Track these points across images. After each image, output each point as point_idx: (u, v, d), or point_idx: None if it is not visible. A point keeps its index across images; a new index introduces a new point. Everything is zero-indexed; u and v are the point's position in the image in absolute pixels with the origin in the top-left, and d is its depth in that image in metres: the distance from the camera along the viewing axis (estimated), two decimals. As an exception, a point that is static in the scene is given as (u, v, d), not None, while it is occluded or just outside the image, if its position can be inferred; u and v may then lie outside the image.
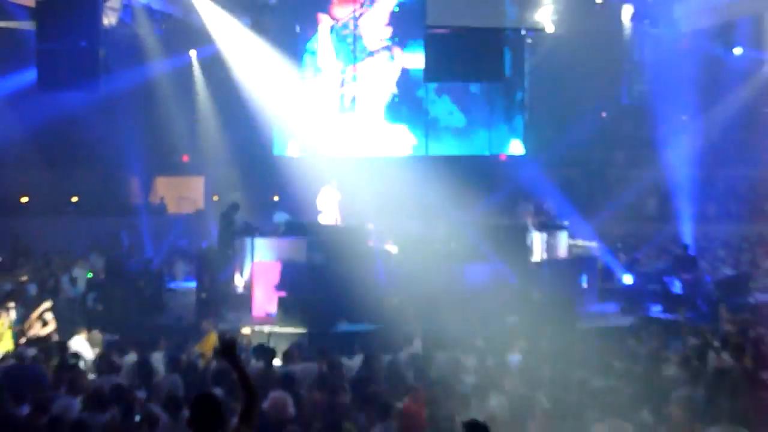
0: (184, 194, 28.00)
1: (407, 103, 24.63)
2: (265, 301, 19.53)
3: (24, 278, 21.36)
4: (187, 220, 25.17)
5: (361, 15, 24.89)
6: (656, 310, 19.64)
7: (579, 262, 21.26)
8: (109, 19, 19.62)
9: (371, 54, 24.91)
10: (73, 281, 20.94)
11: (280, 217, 22.51)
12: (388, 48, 24.33)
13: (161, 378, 13.76)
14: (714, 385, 12.46)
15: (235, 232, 21.02)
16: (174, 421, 10.89)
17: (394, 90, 24.39)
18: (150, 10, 22.28)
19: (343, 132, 24.24)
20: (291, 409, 12.01)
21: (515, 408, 11.97)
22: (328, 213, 22.21)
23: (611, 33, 21.53)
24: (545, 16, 21.84)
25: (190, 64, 24.82)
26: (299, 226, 21.68)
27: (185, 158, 27.34)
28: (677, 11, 20.33)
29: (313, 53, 25.51)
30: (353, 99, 24.63)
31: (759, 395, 12.23)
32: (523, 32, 20.17)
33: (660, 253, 21.97)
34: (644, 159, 24.65)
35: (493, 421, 10.40)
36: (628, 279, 21.01)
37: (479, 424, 8.76)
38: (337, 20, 25.23)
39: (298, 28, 25.11)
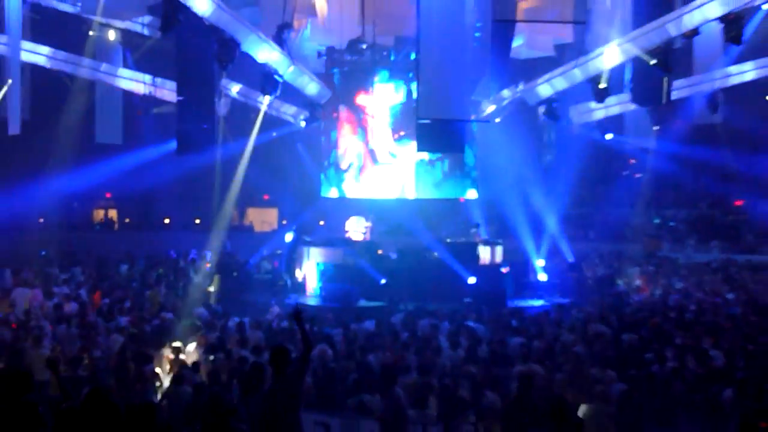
0: (265, 219, 28.15)
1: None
2: (313, 286, 19.71)
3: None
4: (267, 236, 24.94)
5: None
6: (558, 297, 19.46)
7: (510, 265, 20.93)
8: (221, 111, 19.79)
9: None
10: (196, 271, 21.02)
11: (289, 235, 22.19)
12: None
13: (250, 334, 13.74)
14: (592, 344, 12.87)
15: (299, 243, 21.07)
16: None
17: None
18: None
19: (363, 184, 23.84)
20: (329, 354, 12.04)
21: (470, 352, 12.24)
22: (353, 233, 22.16)
23: (532, 123, 21.59)
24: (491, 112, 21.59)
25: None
26: (337, 240, 21.61)
27: (266, 197, 27.53)
28: (571, 111, 20.59)
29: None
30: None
31: (623, 348, 12.70)
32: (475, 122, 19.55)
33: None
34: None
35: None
36: (542, 276, 20.73)
37: None
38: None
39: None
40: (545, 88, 19.93)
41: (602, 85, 18.20)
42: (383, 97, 23.06)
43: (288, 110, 22.38)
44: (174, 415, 9.38)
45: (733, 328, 14.41)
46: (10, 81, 16.57)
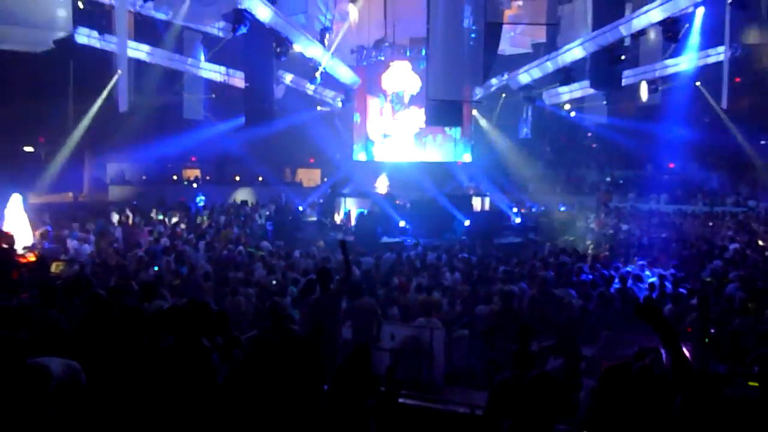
0: (311, 178, 28.21)
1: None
2: (348, 225, 19.72)
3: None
4: (312, 190, 25.03)
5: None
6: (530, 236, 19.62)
7: (494, 212, 21.14)
8: (278, 94, 19.79)
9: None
10: (260, 216, 21.19)
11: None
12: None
13: (301, 261, 13.93)
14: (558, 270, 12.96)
15: (337, 194, 21.11)
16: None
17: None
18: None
19: (386, 149, 23.75)
20: (357, 274, 11.76)
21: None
22: (380, 187, 22.20)
23: (514, 104, 21.46)
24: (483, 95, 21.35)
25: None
26: (366, 192, 21.65)
27: (311, 160, 27.61)
28: (544, 95, 20.39)
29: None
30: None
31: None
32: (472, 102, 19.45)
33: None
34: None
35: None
36: (518, 220, 20.86)
37: None
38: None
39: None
40: (524, 77, 19.83)
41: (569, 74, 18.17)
42: (401, 83, 22.94)
43: (328, 94, 22.30)
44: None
45: (667, 256, 14.49)
46: (119, 71, 16.61)
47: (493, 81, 20.46)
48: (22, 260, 11.17)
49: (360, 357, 5.28)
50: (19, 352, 4.72)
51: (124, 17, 16.82)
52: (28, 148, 23.85)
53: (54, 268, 11.03)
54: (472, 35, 16.83)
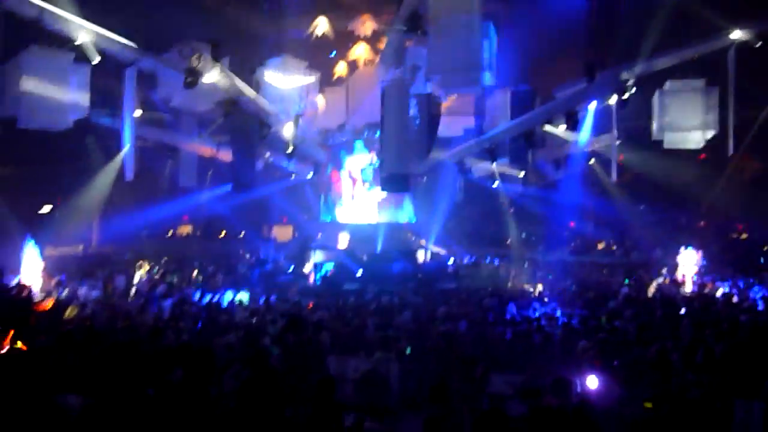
0: (284, 234, 27.82)
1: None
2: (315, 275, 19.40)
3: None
4: (285, 245, 24.73)
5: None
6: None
7: (435, 263, 21.42)
8: (259, 166, 19.67)
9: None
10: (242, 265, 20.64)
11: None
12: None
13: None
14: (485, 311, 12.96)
15: (306, 248, 20.88)
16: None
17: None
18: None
19: (347, 212, 23.72)
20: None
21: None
22: (341, 243, 22.08)
23: (449, 175, 21.60)
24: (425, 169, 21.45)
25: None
26: (329, 246, 21.56)
27: (285, 219, 27.33)
28: (474, 168, 20.56)
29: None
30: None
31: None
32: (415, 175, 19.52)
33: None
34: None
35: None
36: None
37: None
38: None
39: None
40: (458, 154, 20.21)
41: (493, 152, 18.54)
42: (359, 159, 23.11)
43: (300, 167, 22.24)
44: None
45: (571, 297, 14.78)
46: (127, 145, 16.34)
47: (433, 156, 20.63)
48: (39, 307, 10.69)
49: (326, 387, 5.16)
50: (42, 390, 4.47)
51: (131, 101, 16.58)
52: (47, 207, 23.26)
53: (68, 313, 10.57)
54: (417, 121, 17.11)
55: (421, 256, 20.57)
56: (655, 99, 17.05)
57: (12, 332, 7.79)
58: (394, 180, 16.37)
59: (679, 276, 18.56)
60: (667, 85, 16.86)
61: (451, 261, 21.26)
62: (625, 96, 15.76)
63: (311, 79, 19.34)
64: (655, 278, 18.72)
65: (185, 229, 29.50)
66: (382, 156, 17.13)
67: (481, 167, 21.53)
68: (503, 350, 9.84)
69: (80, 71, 14.94)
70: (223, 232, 28.00)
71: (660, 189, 24.32)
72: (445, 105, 19.37)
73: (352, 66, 23.07)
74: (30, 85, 13.94)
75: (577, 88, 16.62)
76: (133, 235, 25.09)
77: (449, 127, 21.23)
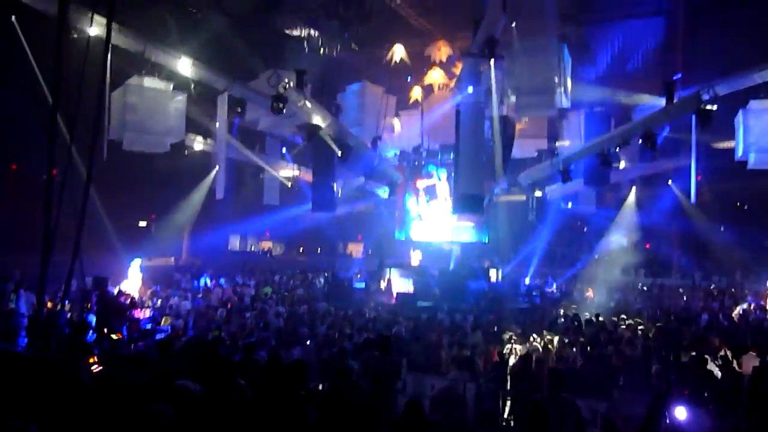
0: (358, 250, 28.09)
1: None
2: (391, 295, 19.36)
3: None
4: (360, 260, 24.90)
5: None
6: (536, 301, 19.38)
7: (506, 282, 20.66)
8: (338, 186, 19.85)
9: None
10: (319, 281, 20.99)
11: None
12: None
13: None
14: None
15: (382, 265, 20.94)
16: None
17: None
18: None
19: (420, 231, 23.60)
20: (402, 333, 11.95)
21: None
22: (413, 260, 22.02)
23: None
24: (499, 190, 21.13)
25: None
26: (404, 264, 21.48)
27: (359, 237, 27.57)
28: (546, 189, 20.06)
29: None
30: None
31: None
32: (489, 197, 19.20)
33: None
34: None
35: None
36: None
37: None
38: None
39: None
40: (532, 175, 19.79)
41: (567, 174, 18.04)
42: (434, 180, 23.05)
43: (377, 187, 22.35)
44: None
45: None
46: (218, 167, 16.98)
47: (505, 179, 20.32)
48: (138, 316, 11.20)
49: (415, 409, 5.07)
50: (142, 395, 4.63)
51: (222, 125, 17.29)
52: (143, 223, 24.34)
53: (163, 321, 11.02)
54: (491, 143, 16.89)
55: (493, 275, 20.12)
56: (739, 118, 16.08)
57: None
58: (468, 201, 16.17)
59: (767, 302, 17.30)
60: (752, 104, 15.88)
61: (526, 281, 20.72)
62: (706, 116, 14.94)
63: (388, 103, 19.52)
64: (739, 303, 17.53)
65: (267, 245, 30.31)
66: (456, 177, 16.99)
67: (555, 189, 20.96)
68: (579, 373, 9.43)
69: (177, 98, 15.73)
70: (301, 249, 28.53)
71: (742, 210, 22.93)
72: (518, 127, 19.08)
73: (428, 90, 23.15)
74: (133, 111, 14.79)
75: (654, 108, 15.95)
76: (219, 249, 26.04)
77: (522, 148, 20.91)
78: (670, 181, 21.51)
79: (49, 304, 9.47)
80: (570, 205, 21.53)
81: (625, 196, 22.55)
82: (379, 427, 4.64)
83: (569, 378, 8.45)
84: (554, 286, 21.00)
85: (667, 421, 5.26)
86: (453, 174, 18.76)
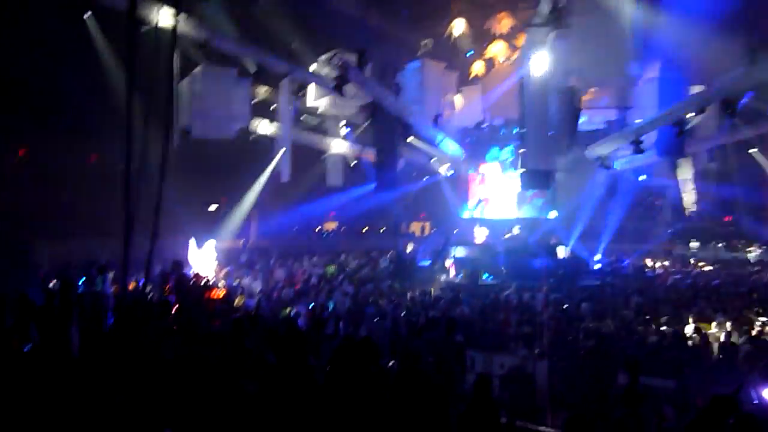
0: (421, 228, 28.02)
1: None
2: (456, 274, 19.25)
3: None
4: (424, 239, 24.86)
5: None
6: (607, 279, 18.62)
7: (575, 259, 20.13)
8: (400, 164, 19.80)
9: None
10: (384, 260, 20.85)
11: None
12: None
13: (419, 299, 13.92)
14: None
15: (446, 244, 20.87)
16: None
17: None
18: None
19: (485, 208, 23.28)
20: (467, 312, 11.82)
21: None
22: (479, 238, 21.76)
23: (590, 170, 20.41)
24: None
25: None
26: (469, 242, 21.25)
27: (422, 215, 27.49)
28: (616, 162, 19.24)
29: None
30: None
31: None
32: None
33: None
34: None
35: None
36: (598, 266, 19.83)
37: None
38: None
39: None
40: (601, 148, 19.09)
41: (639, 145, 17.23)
42: (498, 156, 22.64)
43: (440, 165, 22.18)
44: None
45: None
46: (282, 150, 17.31)
47: (574, 152, 19.68)
48: (213, 295, 11.67)
49: (484, 385, 5.06)
50: (224, 372, 4.84)
51: (286, 109, 17.60)
52: (212, 207, 25.17)
53: (237, 301, 11.44)
54: (557, 116, 16.38)
55: (561, 252, 19.63)
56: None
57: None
58: (534, 176, 15.86)
59: None
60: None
61: (596, 257, 20.09)
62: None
63: (449, 79, 19.27)
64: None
65: (331, 226, 30.73)
66: (522, 152, 16.64)
67: (626, 161, 20.18)
68: (653, 352, 9.14)
69: (242, 85, 16.13)
70: (365, 229, 28.73)
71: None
72: (585, 98, 18.42)
73: (489, 64, 22.65)
74: (201, 99, 15.31)
75: (735, 73, 14.98)
76: (285, 231, 26.61)
77: (590, 120, 20.22)
78: (753, 150, 20.22)
79: (132, 286, 10.02)
80: (643, 177, 20.59)
81: (702, 167, 21.39)
82: (447, 405, 4.66)
83: (648, 358, 8.24)
84: (627, 263, 20.28)
85: (755, 401, 5.04)
86: (518, 149, 18.39)
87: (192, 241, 15.45)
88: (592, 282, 17.63)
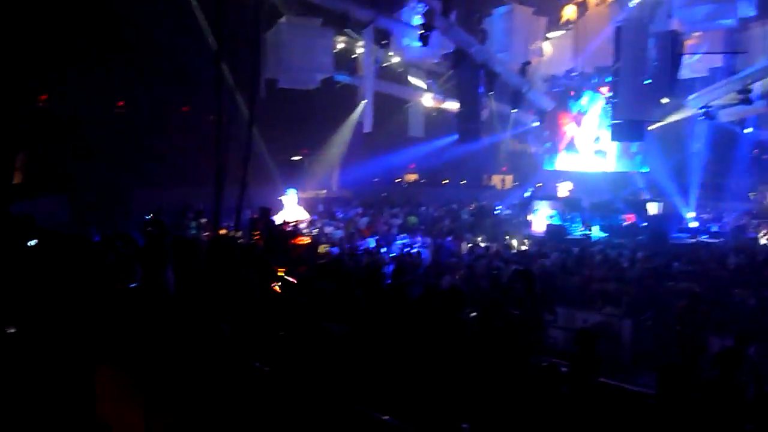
0: (504, 181, 27.46)
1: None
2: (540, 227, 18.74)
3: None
4: (504, 192, 24.43)
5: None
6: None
7: (668, 216, 19.25)
8: (484, 115, 19.33)
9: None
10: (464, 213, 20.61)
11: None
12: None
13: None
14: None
15: (529, 197, 20.40)
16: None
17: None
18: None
19: (570, 160, 22.46)
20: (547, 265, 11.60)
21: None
22: (561, 191, 21.15)
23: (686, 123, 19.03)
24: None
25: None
26: (553, 196, 20.68)
27: (504, 168, 26.88)
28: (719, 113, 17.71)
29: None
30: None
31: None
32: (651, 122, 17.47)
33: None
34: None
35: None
36: (693, 224, 18.70)
37: None
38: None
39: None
40: (704, 97, 17.73)
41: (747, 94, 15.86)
42: (588, 106, 21.60)
43: (525, 115, 21.45)
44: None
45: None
46: (365, 101, 17.33)
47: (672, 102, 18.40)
48: (299, 242, 12.08)
49: (587, 338, 5.01)
50: (311, 315, 5.04)
51: (369, 59, 17.56)
52: (296, 158, 25.76)
53: (320, 249, 11.81)
54: (655, 63, 15.34)
55: (651, 208, 18.70)
56: None
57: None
58: (627, 127, 15.08)
59: None
60: None
61: (690, 215, 18.98)
62: None
63: (538, 25, 18.39)
64: None
65: (412, 177, 30.72)
66: (614, 101, 15.80)
67: (730, 111, 18.69)
68: (749, 316, 8.67)
69: (325, 35, 16.19)
70: (445, 181, 28.49)
71: None
72: (687, 42, 17.08)
73: (582, 8, 21.30)
74: (286, 50, 15.52)
75: None
76: (366, 181, 26.89)
77: (692, 67, 18.75)
78: None
79: (222, 232, 10.56)
80: (749, 130, 19.05)
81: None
82: (527, 358, 4.67)
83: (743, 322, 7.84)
84: (726, 221, 19.05)
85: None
86: (611, 98, 17.45)
87: (284, 191, 16.00)
88: (685, 240, 16.83)
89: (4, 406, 3.15)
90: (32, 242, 6.76)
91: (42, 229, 7.83)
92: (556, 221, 18.10)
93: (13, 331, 3.47)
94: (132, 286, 5.66)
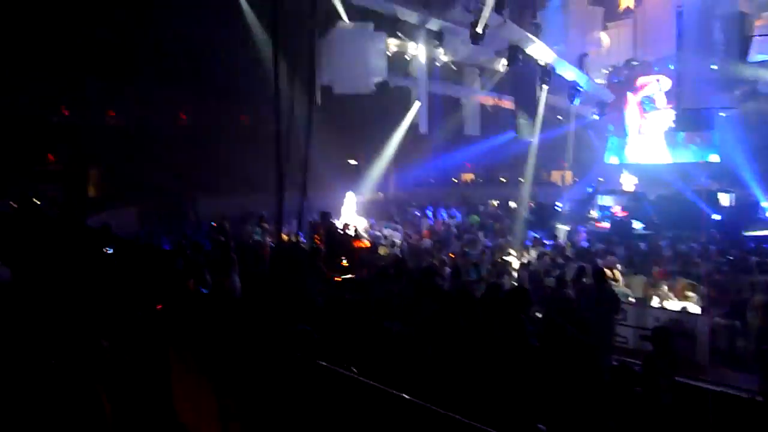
0: (564, 177, 26.84)
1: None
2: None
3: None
4: (565, 188, 23.87)
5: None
6: None
7: (742, 207, 18.17)
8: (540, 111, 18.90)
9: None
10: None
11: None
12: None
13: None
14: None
15: (592, 192, 19.85)
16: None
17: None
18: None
19: (635, 153, 21.70)
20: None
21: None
22: (626, 185, 20.45)
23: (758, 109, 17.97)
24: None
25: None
26: (617, 190, 20.02)
27: (565, 163, 26.19)
28: None
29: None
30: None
31: None
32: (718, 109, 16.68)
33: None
34: None
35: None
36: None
37: None
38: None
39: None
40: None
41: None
42: (650, 96, 20.76)
43: (584, 109, 20.85)
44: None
45: None
46: (419, 102, 17.28)
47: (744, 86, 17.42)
48: (359, 245, 12.19)
49: (665, 337, 4.87)
50: (371, 315, 5.08)
51: (422, 60, 17.50)
52: (353, 162, 26.00)
53: (381, 251, 11.88)
54: (722, 47, 14.63)
55: (723, 199, 17.81)
56: None
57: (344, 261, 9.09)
58: (693, 116, 14.44)
59: None
60: None
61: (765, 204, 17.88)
62: None
63: (594, 15, 17.88)
64: None
65: (468, 176, 30.47)
66: (679, 90, 15.15)
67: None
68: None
69: (378, 39, 16.23)
70: (503, 179, 28.09)
71: None
72: (757, 22, 16.20)
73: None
74: (340, 56, 15.66)
75: None
76: (423, 182, 26.85)
77: (762, 49, 17.75)
78: None
79: (284, 237, 10.79)
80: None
81: None
82: (596, 359, 4.56)
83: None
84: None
85: None
86: (675, 86, 16.74)
87: (342, 195, 16.19)
88: (762, 233, 15.94)
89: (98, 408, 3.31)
90: (109, 250, 7.15)
91: (117, 238, 8.26)
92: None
93: (106, 345, 3.62)
94: (204, 291, 5.86)
